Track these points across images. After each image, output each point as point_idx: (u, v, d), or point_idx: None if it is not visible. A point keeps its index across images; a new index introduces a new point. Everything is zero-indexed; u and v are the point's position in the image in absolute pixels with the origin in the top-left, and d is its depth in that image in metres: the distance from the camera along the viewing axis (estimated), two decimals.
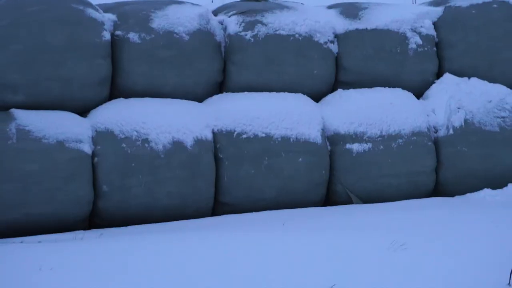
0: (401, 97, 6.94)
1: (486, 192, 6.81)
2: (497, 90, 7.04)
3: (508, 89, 7.12)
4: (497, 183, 6.86)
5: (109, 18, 6.47)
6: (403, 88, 7.01)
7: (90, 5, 6.41)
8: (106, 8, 6.59)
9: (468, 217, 5.94)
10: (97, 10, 6.43)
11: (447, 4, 7.33)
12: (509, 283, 4.36)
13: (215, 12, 6.96)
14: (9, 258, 5.18)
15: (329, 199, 6.70)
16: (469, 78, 7.08)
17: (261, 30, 6.72)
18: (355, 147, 6.67)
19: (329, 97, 6.91)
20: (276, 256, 4.92)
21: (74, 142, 6.08)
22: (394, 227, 5.58)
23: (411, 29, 7.05)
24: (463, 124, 6.85)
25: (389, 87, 6.99)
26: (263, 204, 6.45)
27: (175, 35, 6.51)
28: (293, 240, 5.29)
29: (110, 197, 6.16)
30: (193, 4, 6.82)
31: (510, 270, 4.40)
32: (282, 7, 6.93)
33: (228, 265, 4.77)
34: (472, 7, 7.25)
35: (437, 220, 5.81)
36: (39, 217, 6.01)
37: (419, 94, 7.07)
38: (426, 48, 7.05)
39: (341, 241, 5.25)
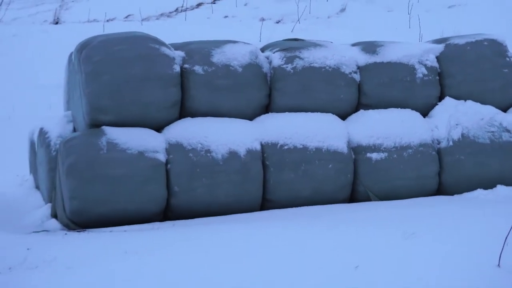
0: (410, 116, 6.93)
1: (479, 192, 6.76)
2: (488, 110, 7.02)
3: (496, 109, 7.09)
4: (488, 185, 6.83)
5: (179, 54, 6.51)
6: (412, 109, 7.00)
7: (164, 44, 6.48)
8: (176, 47, 6.63)
9: (465, 212, 5.91)
10: (169, 48, 6.49)
11: (447, 42, 7.32)
12: (498, 264, 4.37)
13: (262, 49, 6.98)
14: (101, 244, 5.24)
15: (353, 197, 6.69)
16: (465, 101, 7.06)
17: (298, 63, 6.74)
18: (374, 155, 6.68)
19: (353, 116, 6.91)
20: (311, 242, 4.95)
21: (151, 152, 6.15)
22: (406, 220, 5.56)
23: (419, 62, 7.04)
24: (460, 137, 6.84)
25: (401, 108, 6.98)
26: (300, 202, 6.46)
27: (231, 67, 6.55)
28: (325, 230, 5.31)
29: (180, 196, 6.20)
30: (245, 43, 6.86)
31: (499, 253, 4.41)
32: (315, 45, 6.96)
33: (276, 245, 4.81)
34: (467, 44, 7.24)
35: (440, 214, 5.78)
36: (124, 211, 6.07)
37: (425, 114, 7.05)
38: (430, 77, 7.05)
39: (363, 231, 5.26)
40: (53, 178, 6.37)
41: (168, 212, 6.25)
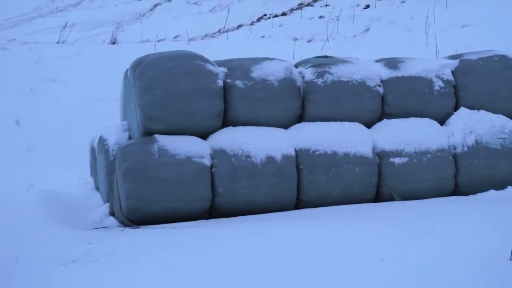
0: (429, 124, 6.86)
1: (492, 192, 6.68)
2: (499, 119, 6.94)
3: (506, 118, 7.02)
4: (500, 186, 6.75)
5: (222, 70, 6.51)
6: (430, 118, 6.94)
7: (208, 61, 6.48)
8: (220, 63, 6.62)
9: (479, 210, 5.82)
10: (213, 64, 6.49)
11: (461, 58, 7.26)
12: (510, 258, 4.31)
13: (296, 65, 6.96)
14: (153, 239, 5.24)
15: (377, 197, 6.64)
16: (478, 110, 6.99)
17: (328, 77, 6.71)
18: (396, 160, 6.62)
19: (377, 124, 6.87)
20: (341, 237, 4.92)
21: (198, 157, 6.14)
22: (425, 217, 5.50)
23: (436, 76, 6.99)
24: (474, 143, 6.76)
25: (420, 117, 6.93)
26: (330, 201, 6.42)
27: (268, 82, 6.53)
28: (352, 226, 5.28)
29: (223, 196, 6.18)
30: (280, 60, 6.83)
31: (511, 248, 4.37)
32: (343, 61, 6.92)
33: (309, 240, 4.79)
34: (479, 59, 7.17)
35: (456, 212, 5.71)
36: (174, 210, 6.07)
37: (442, 122, 6.98)
38: (446, 90, 6.98)
39: (387, 227, 5.22)
40: (111, 180, 6.40)
41: (213, 211, 6.24)
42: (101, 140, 6.77)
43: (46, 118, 12.29)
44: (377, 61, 7.24)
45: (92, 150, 7.36)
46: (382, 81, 6.92)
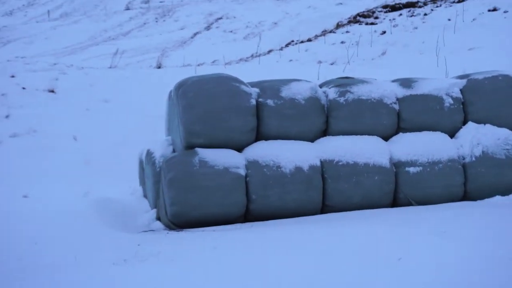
0: (440, 137, 6.81)
1: (498, 198, 6.60)
2: (503, 132, 6.87)
3: (510, 131, 6.95)
4: (505, 192, 6.65)
5: (254, 90, 6.51)
6: (441, 132, 6.89)
7: (243, 83, 6.49)
8: (253, 84, 6.63)
9: (486, 214, 5.80)
10: (247, 85, 6.50)
11: (469, 77, 7.21)
12: None
13: (320, 85, 6.94)
14: (195, 241, 5.26)
15: (394, 203, 6.59)
16: (484, 124, 6.93)
17: (349, 96, 6.69)
18: (411, 169, 6.56)
19: (394, 137, 6.82)
20: (362, 237, 4.90)
21: (234, 168, 6.14)
22: (438, 220, 5.48)
23: (446, 94, 6.94)
24: (481, 154, 6.68)
25: (432, 131, 6.88)
26: (352, 206, 6.38)
27: (296, 100, 6.52)
28: (372, 228, 5.25)
29: (257, 202, 6.17)
30: (306, 81, 6.83)
31: None
32: (363, 81, 6.90)
33: (333, 240, 4.77)
34: (485, 79, 7.11)
35: (466, 216, 5.67)
36: (213, 215, 6.06)
37: (451, 135, 6.92)
38: (456, 106, 6.93)
39: (403, 229, 5.19)
40: (157, 189, 6.42)
41: (248, 215, 6.23)
42: (149, 153, 6.80)
43: (100, 134, 12.40)
44: (393, 81, 7.20)
45: (141, 162, 7.40)
46: (397, 99, 6.88)
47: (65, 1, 60.31)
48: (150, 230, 6.12)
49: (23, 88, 15.79)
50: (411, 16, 24.88)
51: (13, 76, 17.28)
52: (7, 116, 13.99)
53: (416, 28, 20.84)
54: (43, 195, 8.71)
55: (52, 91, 15.77)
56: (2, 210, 7.48)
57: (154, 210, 6.51)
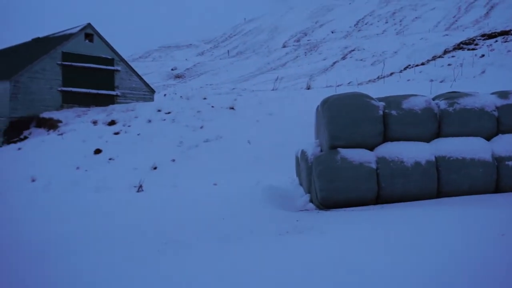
0: None
1: None
2: None
3: None
4: None
5: (381, 104, 6.32)
6: None
7: (372, 98, 6.32)
8: (380, 99, 6.44)
9: None
10: (376, 100, 6.32)
11: None
12: None
13: (433, 98, 6.64)
14: (338, 218, 5.15)
15: (497, 189, 6.17)
16: None
17: (457, 106, 6.34)
18: (510, 163, 6.11)
19: (495, 138, 6.36)
20: (471, 217, 4.55)
21: (367, 163, 5.99)
22: None
23: None
24: None
25: None
26: (460, 193, 6.00)
27: (414, 111, 6.26)
28: (478, 209, 4.90)
29: (385, 189, 5.97)
30: (422, 95, 6.55)
31: None
32: (467, 94, 6.51)
33: (450, 219, 4.48)
34: None
35: None
36: (352, 199, 5.94)
37: None
38: None
39: (506, 209, 4.81)
40: (310, 179, 6.39)
41: (378, 199, 6.04)
42: (303, 152, 6.79)
43: (267, 138, 12.60)
44: (492, 93, 6.75)
45: (297, 158, 7.41)
46: (496, 107, 6.43)
47: (239, 43, 61.90)
48: (305, 210, 6.11)
49: (212, 107, 16.40)
50: (505, 41, 23.74)
51: (205, 98, 18.03)
52: (201, 127, 14.61)
53: (509, 51, 19.58)
54: (227, 183, 8.97)
55: (232, 108, 16.27)
56: (200, 193, 7.79)
57: (308, 195, 6.49)
